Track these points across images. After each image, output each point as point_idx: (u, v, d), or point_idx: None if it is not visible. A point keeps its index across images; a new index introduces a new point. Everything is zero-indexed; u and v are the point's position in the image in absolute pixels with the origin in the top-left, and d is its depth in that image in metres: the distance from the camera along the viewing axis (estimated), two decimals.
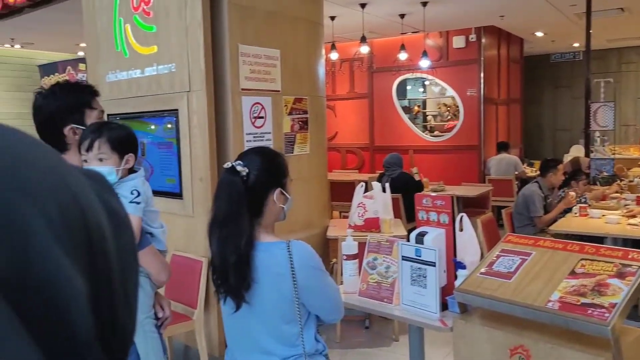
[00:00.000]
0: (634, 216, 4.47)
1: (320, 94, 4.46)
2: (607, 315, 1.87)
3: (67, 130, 1.84)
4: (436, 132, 9.12)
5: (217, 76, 3.47)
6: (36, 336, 0.26)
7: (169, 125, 3.50)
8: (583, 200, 4.96)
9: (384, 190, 4.42)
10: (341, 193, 6.78)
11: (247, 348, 1.71)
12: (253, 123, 3.69)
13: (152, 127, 3.60)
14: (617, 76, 11.45)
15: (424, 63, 7.75)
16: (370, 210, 4.36)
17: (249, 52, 3.60)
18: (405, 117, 9.09)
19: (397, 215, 4.94)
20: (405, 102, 9.43)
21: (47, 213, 0.28)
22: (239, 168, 1.67)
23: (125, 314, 0.33)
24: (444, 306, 2.50)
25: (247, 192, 1.66)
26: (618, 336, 1.86)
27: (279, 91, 3.92)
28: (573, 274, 2.10)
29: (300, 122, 4.19)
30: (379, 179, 6.03)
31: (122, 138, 1.82)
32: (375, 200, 4.35)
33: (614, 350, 1.84)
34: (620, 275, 2.00)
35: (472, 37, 8.28)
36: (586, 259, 2.15)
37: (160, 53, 3.60)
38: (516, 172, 7.91)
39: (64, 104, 1.85)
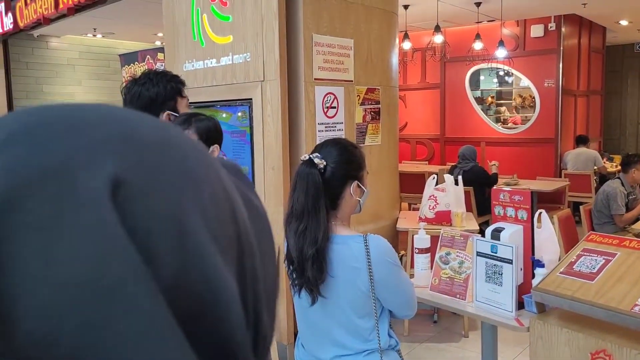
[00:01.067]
0: None
1: (393, 85, 4.41)
2: None
3: (164, 116, 1.92)
4: (510, 124, 8.83)
5: (291, 66, 3.50)
6: (192, 340, 0.25)
7: (243, 114, 3.57)
8: None
9: (456, 183, 4.33)
10: (410, 184, 6.71)
11: (319, 340, 1.73)
12: (325, 113, 3.70)
13: (225, 115, 3.69)
14: None
15: (501, 53, 7.49)
16: (441, 203, 4.28)
17: (322, 41, 3.60)
18: (477, 108, 8.85)
19: (468, 209, 4.83)
20: (478, 93, 9.17)
21: (204, 208, 0.27)
22: (316, 160, 1.67)
23: (268, 316, 0.31)
24: (520, 305, 2.43)
25: (324, 185, 1.66)
26: None
27: (351, 81, 3.91)
28: None
29: (372, 113, 4.17)
30: (451, 171, 5.92)
31: (209, 129, 1.87)
32: (447, 193, 4.27)
33: None
34: None
35: (552, 25, 7.91)
36: None
37: (236, 43, 3.67)
38: (595, 167, 7.53)
39: (162, 91, 1.92)
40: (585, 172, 7.38)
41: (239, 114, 3.60)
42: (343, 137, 3.93)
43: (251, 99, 3.52)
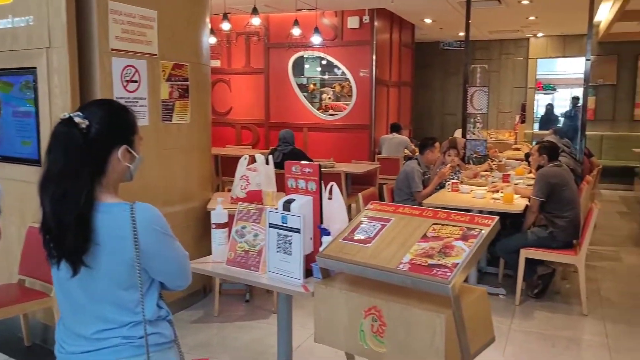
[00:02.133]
0: (497, 191, 4.80)
1: (204, 62, 4.32)
2: (449, 274, 1.96)
3: None
4: (330, 111, 9.23)
5: (83, 34, 3.24)
6: None
7: (26, 85, 3.23)
8: (455, 177, 5.24)
9: (276, 166, 4.39)
10: (234, 168, 6.67)
11: (81, 315, 1.61)
12: (125, 87, 3.50)
13: (7, 86, 3.30)
14: (498, 66, 12.21)
15: (316, 39, 7.78)
16: (253, 183, 4.32)
17: (120, 9, 3.39)
18: (300, 95, 9.11)
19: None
20: (303, 80, 9.46)
21: None
22: (77, 120, 1.55)
23: None
24: (309, 273, 2.53)
25: (88, 147, 1.54)
26: (458, 294, 1.96)
27: (155, 55, 3.75)
28: (425, 237, 2.19)
29: (180, 90, 4.04)
30: (271, 154, 6.00)
31: None
32: (258, 173, 4.31)
33: (454, 307, 1.94)
34: (465, 238, 2.12)
35: (366, 18, 8.42)
36: (437, 224, 2.26)
37: (17, 4, 3.29)
38: (407, 151, 8.21)
39: None
40: (396, 156, 8.02)
41: (22, 84, 3.24)
42: (146, 113, 3.76)
43: (35, 67, 3.19)
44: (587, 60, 6.68)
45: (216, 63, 9.20)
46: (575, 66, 11.43)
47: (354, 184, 7.13)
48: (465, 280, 2.11)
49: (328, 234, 2.52)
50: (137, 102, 3.62)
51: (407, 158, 8.19)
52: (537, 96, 12.65)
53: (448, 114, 12.61)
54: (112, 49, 3.38)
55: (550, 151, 4.62)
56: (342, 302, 2.22)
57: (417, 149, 8.76)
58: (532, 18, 9.56)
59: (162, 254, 1.63)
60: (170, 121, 3.98)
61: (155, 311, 1.65)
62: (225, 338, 3.78)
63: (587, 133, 10.77)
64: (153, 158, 3.83)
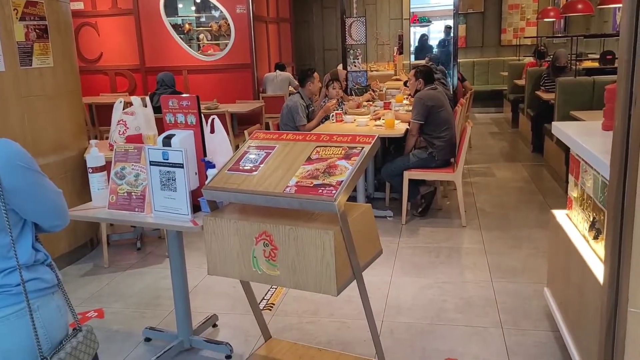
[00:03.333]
0: (379, 118, 4.96)
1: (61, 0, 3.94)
2: (334, 192, 2.01)
3: None
4: (209, 52, 8.90)
5: None
6: None
7: None
8: (339, 108, 5.33)
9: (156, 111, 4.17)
10: (110, 117, 6.27)
11: None
12: None
13: None
14: None
15: None
16: (131, 127, 4.09)
17: None
18: (176, 36, 8.64)
19: None
20: (178, 20, 8.96)
21: None
22: None
23: None
24: (197, 209, 2.48)
25: None
26: (344, 210, 2.02)
27: None
28: (309, 160, 2.22)
29: (37, 30, 3.67)
30: (151, 98, 5.71)
31: None
32: (136, 116, 4.08)
33: (341, 223, 2.00)
34: (347, 157, 2.17)
35: None
36: (321, 146, 2.29)
37: None
38: (291, 88, 8.18)
39: None
40: (281, 93, 7.97)
41: None
42: (1, 57, 3.39)
43: None
44: None
45: (79, 5, 8.44)
46: None
47: (241, 125, 7.02)
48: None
49: (213, 166, 2.48)
50: None
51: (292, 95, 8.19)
52: (413, 29, 13.02)
53: (329, 49, 12.65)
54: None
55: (425, 75, 4.81)
56: (232, 231, 2.21)
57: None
58: None
59: (30, 192, 1.51)
60: (31, 65, 3.62)
61: (31, 255, 1.55)
62: (117, 287, 3.66)
63: (459, 60, 11.39)
64: (14, 106, 3.49)
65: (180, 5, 8.96)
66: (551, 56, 7.61)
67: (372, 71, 10.25)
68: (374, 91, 6.57)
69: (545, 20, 10.90)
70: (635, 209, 1.48)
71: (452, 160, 4.71)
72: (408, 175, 4.56)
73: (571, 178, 2.59)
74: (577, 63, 7.05)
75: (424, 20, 13.08)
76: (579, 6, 7.33)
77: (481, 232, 4.38)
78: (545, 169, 6.36)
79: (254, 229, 2.14)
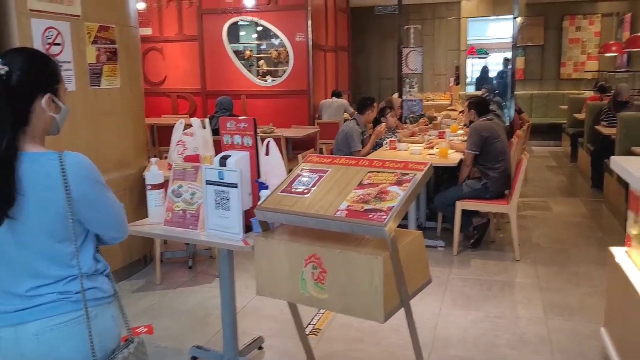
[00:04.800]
0: (433, 147, 4.93)
1: (132, 24, 4.16)
2: (384, 217, 2.01)
3: None
4: (268, 77, 9.13)
5: None
6: None
7: None
8: (393, 136, 5.33)
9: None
10: (170, 137, 6.51)
11: (12, 272, 1.55)
12: (47, 50, 3.33)
13: None
14: (431, 29, 12.38)
15: (249, 2, 7.64)
16: (190, 148, 4.23)
17: None
18: (237, 62, 8.93)
19: None
20: (239, 47, 9.26)
21: None
22: None
23: None
24: (249, 229, 2.53)
25: (9, 94, 1.47)
26: (394, 236, 2.02)
27: (78, 16, 3.57)
28: (361, 185, 2.23)
29: (107, 53, 3.88)
30: (210, 121, 5.90)
31: None
32: (194, 137, 4.22)
33: (391, 249, 2.00)
34: (399, 183, 2.17)
35: None
36: (373, 171, 2.30)
37: None
38: (346, 115, 8.26)
39: None
40: (336, 120, 8.06)
41: None
42: (72, 78, 3.60)
43: None
44: (515, 18, 6.87)
45: (147, 31, 8.87)
46: (505, 31, 11.72)
47: (295, 149, 7.13)
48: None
49: (266, 187, 2.53)
50: (61, 67, 3.45)
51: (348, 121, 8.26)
52: (471, 61, 12.96)
53: (385, 79, 12.72)
54: (31, 10, 3.20)
55: (478, 106, 4.76)
56: (282, 252, 2.24)
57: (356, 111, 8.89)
58: None
59: (95, 203, 1.59)
60: (99, 86, 3.83)
61: (92, 265, 1.61)
62: (168, 304, 3.75)
63: (517, 92, 11.19)
64: (83, 124, 3.68)
65: (242, 33, 9.27)
66: (613, 91, 7.40)
67: (427, 100, 10.23)
68: (429, 119, 6.54)
69: (607, 54, 10.63)
70: None
71: (506, 192, 4.61)
72: (461, 205, 4.49)
73: (630, 214, 2.50)
74: None
75: (481, 52, 13.00)
76: None
77: (536, 267, 4.24)
78: (605, 205, 6.12)
79: (304, 251, 2.16)
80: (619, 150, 5.46)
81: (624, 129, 5.49)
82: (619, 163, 2.58)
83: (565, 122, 9.91)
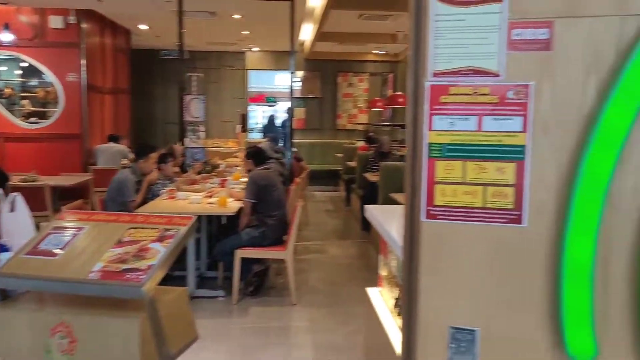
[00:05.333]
0: (212, 196, 4.93)
1: None
2: (142, 277, 1.91)
3: None
4: (33, 119, 8.27)
5: None
6: None
7: None
8: (172, 185, 5.20)
9: None
10: None
11: None
12: None
13: None
14: (217, 77, 12.63)
15: (5, 37, 6.92)
16: None
17: None
18: None
19: None
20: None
21: None
22: None
23: None
24: None
25: None
26: (154, 296, 1.91)
27: None
28: (120, 243, 2.10)
29: None
30: None
31: None
32: None
33: (149, 310, 1.89)
34: (161, 239, 2.09)
35: (72, 19, 7.80)
36: (134, 228, 2.18)
37: None
38: (125, 161, 7.83)
39: None
40: (114, 166, 7.59)
41: None
42: None
43: None
44: (292, 73, 7.34)
45: None
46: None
47: (66, 199, 6.50)
48: (185, 286, 2.07)
49: (7, 250, 2.23)
50: None
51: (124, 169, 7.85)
52: (262, 108, 13.50)
53: (171, 123, 12.49)
54: None
55: (255, 156, 4.92)
56: (24, 323, 1.97)
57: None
58: (245, 32, 10.12)
59: None
60: None
61: None
62: None
63: (299, 141, 11.92)
64: None
65: (3, 68, 8.32)
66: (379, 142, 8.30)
67: (214, 147, 10.30)
68: (212, 167, 6.54)
69: (373, 109, 11.99)
70: (420, 287, 1.59)
71: (284, 238, 4.78)
72: (240, 253, 4.52)
73: (381, 257, 2.76)
74: (399, 149, 7.76)
75: (271, 100, 13.62)
76: (400, 100, 8.18)
77: (310, 309, 4.43)
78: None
79: (50, 320, 1.93)
80: (381, 196, 6.09)
81: (385, 177, 6.15)
82: (370, 211, 2.84)
83: (341, 169, 10.80)
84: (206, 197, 4.94)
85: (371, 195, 7.08)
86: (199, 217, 4.61)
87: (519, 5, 1.42)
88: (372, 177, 7.33)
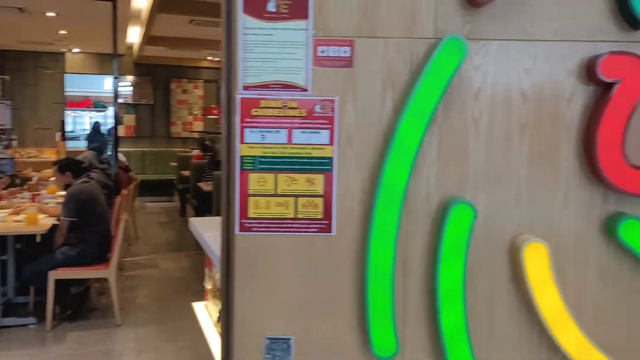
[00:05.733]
0: (19, 213, 4.44)
1: None
2: None
3: None
4: None
5: None
6: None
7: None
8: None
9: None
10: None
11: None
12: None
13: None
14: (34, 80, 11.48)
15: None
16: None
17: None
18: None
19: None
20: None
21: None
22: None
23: None
24: None
25: None
26: None
27: None
28: None
29: None
30: None
31: None
32: None
33: None
34: None
35: None
36: None
37: None
38: None
39: None
40: None
41: None
42: None
43: None
44: (115, 78, 6.93)
45: None
46: (121, 87, 11.75)
47: None
48: None
49: None
50: None
51: None
52: (90, 114, 12.56)
53: None
54: None
55: (72, 168, 4.53)
56: None
57: None
58: (63, 32, 9.32)
59: None
60: None
61: None
62: None
63: (130, 149, 11.29)
64: None
65: None
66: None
67: (29, 158, 9.32)
68: (22, 180, 5.90)
69: (209, 117, 11.83)
70: (236, 300, 1.58)
71: (108, 255, 4.47)
72: (54, 275, 4.11)
73: (206, 270, 2.70)
74: None
75: (99, 105, 12.67)
76: (214, 111, 8.13)
77: (137, 329, 4.19)
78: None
79: None
80: (215, 206, 5.99)
81: (218, 187, 6.06)
82: (193, 224, 2.77)
83: (175, 178, 10.44)
84: (13, 214, 4.43)
85: (205, 205, 6.94)
86: (3, 237, 4.20)
87: (323, 23, 1.48)
88: (206, 186, 7.19)
